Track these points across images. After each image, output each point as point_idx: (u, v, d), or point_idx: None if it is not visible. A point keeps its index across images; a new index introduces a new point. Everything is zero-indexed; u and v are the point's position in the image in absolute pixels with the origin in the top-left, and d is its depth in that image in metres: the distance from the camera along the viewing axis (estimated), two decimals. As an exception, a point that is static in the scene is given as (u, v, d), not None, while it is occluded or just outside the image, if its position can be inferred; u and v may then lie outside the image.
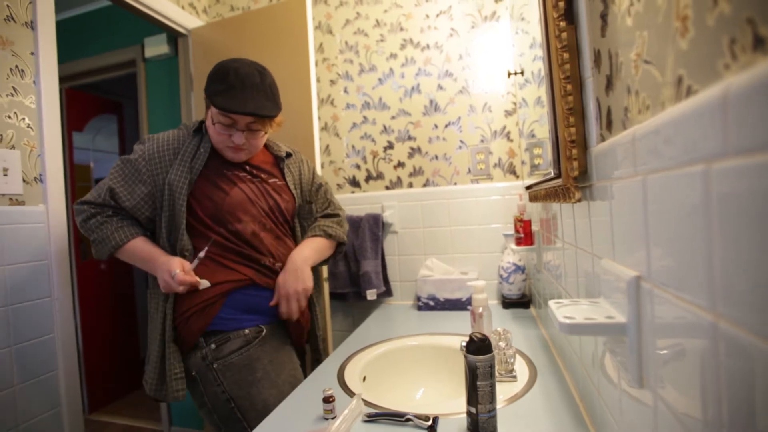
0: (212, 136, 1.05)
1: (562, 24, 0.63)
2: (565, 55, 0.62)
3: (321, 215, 1.24)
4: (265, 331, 1.04)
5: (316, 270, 1.26)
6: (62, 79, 2.05)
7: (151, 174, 1.02)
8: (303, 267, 1.08)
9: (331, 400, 0.78)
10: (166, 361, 1.00)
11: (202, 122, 1.10)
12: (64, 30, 2.12)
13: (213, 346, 0.99)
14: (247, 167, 1.10)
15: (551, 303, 0.53)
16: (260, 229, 1.07)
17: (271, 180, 1.13)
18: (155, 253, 1.00)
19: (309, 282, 1.08)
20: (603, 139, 0.55)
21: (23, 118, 1.17)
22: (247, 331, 1.02)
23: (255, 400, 0.96)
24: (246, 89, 0.98)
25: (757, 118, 0.22)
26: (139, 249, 1.01)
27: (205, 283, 0.99)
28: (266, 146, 1.20)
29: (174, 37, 1.99)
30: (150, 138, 1.07)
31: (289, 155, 1.20)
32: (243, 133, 1.02)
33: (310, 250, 1.13)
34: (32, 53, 1.20)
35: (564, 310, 0.48)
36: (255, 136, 1.05)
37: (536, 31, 0.82)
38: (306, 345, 1.23)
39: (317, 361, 1.21)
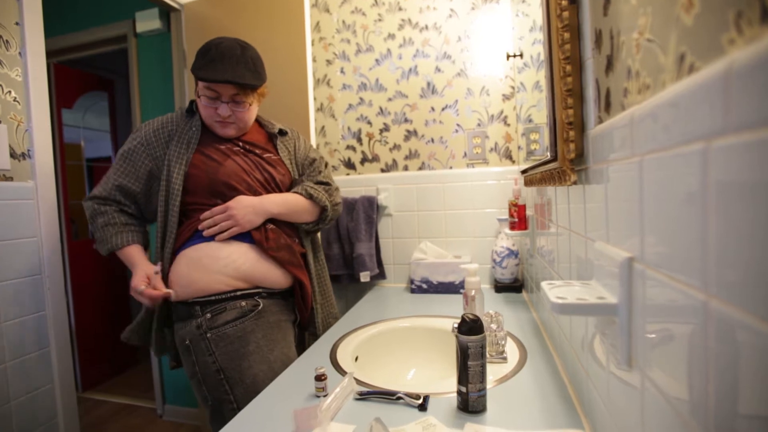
0: (201, 112, 1.08)
1: (564, 3, 0.62)
2: (566, 35, 0.61)
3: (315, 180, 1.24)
4: (261, 305, 1.04)
5: (314, 244, 1.26)
6: (50, 54, 1.99)
7: (151, 156, 1.07)
8: (256, 211, 1.05)
9: (323, 378, 0.79)
10: (155, 320, 1.09)
11: (193, 102, 1.12)
12: (51, 2, 2.06)
13: (208, 315, 0.99)
14: (241, 143, 1.12)
15: (544, 284, 0.53)
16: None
17: (266, 155, 1.15)
18: (135, 261, 1.05)
19: (249, 225, 1.04)
20: (601, 121, 0.54)
21: (9, 91, 1.14)
22: (243, 303, 1.02)
23: (245, 373, 0.96)
24: (225, 61, 1.01)
25: (761, 94, 0.22)
26: (128, 257, 1.06)
27: (170, 293, 1.01)
28: (260, 124, 1.22)
29: (166, 12, 1.94)
30: (144, 124, 1.10)
31: (283, 133, 1.22)
32: (228, 105, 1.05)
33: (279, 204, 1.10)
34: (17, 23, 1.16)
35: (556, 291, 0.49)
36: (240, 108, 1.06)
37: (537, 14, 0.81)
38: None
39: (314, 335, 1.21)
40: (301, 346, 1.21)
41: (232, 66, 1.01)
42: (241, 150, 1.11)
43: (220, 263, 1.01)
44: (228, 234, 1.03)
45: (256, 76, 1.05)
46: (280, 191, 1.15)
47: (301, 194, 1.14)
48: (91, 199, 1.08)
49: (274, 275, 1.07)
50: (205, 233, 1.03)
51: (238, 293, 1.02)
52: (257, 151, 1.13)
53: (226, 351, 0.98)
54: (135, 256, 1.06)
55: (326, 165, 1.30)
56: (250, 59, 1.05)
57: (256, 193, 1.09)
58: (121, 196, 1.07)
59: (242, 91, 1.04)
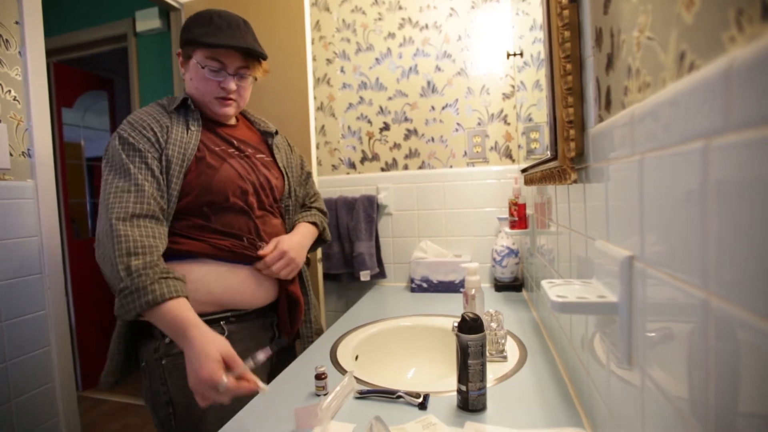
0: (198, 87, 0.95)
1: (564, 1, 0.61)
2: (566, 34, 0.61)
3: (316, 207, 1.19)
4: (226, 333, 0.90)
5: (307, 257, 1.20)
6: (50, 53, 1.99)
7: (156, 159, 0.88)
8: (303, 249, 1.04)
9: (323, 377, 0.79)
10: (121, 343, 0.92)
11: (185, 99, 0.97)
12: (51, 1, 2.06)
13: (167, 339, 0.85)
14: (235, 142, 1.00)
15: (544, 283, 0.53)
16: (248, 207, 0.96)
17: (259, 155, 1.04)
18: (190, 323, 0.75)
19: (301, 264, 1.03)
20: (601, 119, 0.54)
21: (9, 90, 1.14)
22: None
23: (194, 411, 0.81)
24: (233, 29, 0.93)
25: (761, 92, 0.21)
26: (175, 315, 0.75)
27: (264, 389, 0.71)
28: (251, 122, 1.12)
29: (166, 11, 1.94)
30: (131, 121, 0.91)
31: (276, 133, 1.14)
32: (234, 78, 0.95)
33: (308, 237, 1.08)
34: (17, 22, 1.16)
35: (556, 290, 0.49)
36: (244, 83, 0.98)
37: (537, 13, 0.81)
38: (297, 335, 1.12)
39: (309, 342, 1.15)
40: (292, 357, 1.08)
41: (241, 35, 0.93)
42: (236, 151, 0.99)
43: (189, 287, 0.84)
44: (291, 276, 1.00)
45: (261, 48, 0.98)
46: (274, 197, 1.04)
47: (316, 227, 1.13)
48: (121, 221, 0.79)
49: (250, 295, 0.95)
50: (264, 271, 0.96)
51: (204, 318, 0.84)
52: (250, 151, 1.02)
53: (180, 384, 0.82)
54: (186, 314, 0.76)
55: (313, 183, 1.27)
56: (253, 33, 0.98)
57: (248, 201, 0.95)
58: (158, 207, 0.85)
59: (249, 63, 0.96)
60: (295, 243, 1.01)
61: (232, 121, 1.05)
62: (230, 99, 0.96)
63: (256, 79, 1.00)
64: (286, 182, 1.08)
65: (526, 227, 1.31)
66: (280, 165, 1.09)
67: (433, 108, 1.65)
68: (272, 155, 1.09)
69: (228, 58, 0.93)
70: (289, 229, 1.08)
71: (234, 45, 0.91)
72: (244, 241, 0.94)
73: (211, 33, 0.90)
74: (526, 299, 1.37)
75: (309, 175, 1.21)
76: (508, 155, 1.59)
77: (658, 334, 0.36)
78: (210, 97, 0.95)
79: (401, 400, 0.74)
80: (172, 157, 0.89)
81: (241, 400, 0.80)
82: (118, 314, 0.78)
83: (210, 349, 0.71)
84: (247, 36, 0.95)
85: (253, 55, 0.95)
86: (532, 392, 0.75)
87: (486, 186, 1.59)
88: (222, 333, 0.89)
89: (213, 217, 0.92)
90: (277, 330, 1.04)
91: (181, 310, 0.76)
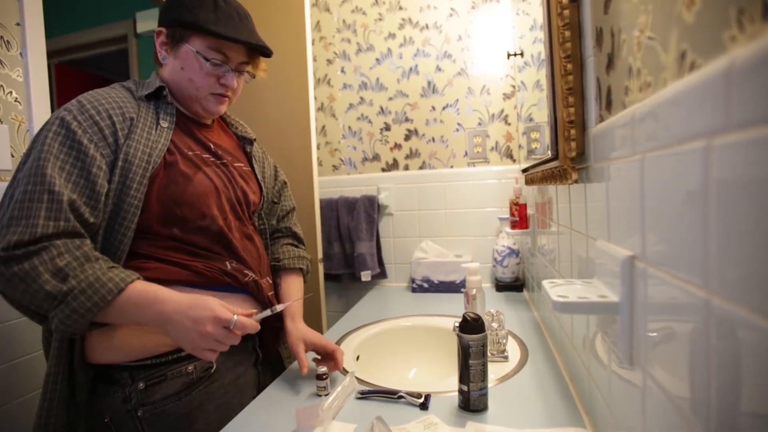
0: (193, 79, 0.81)
1: (565, 1, 0.61)
2: (567, 34, 0.61)
3: (290, 235, 1.07)
4: (215, 367, 0.79)
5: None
6: (51, 54, 1.99)
7: (102, 155, 0.70)
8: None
9: (324, 377, 0.79)
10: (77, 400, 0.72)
11: (163, 88, 0.82)
12: (52, 2, 2.06)
13: (141, 385, 0.72)
14: (212, 146, 0.86)
15: (545, 283, 0.53)
16: (227, 227, 0.82)
17: (237, 164, 0.90)
18: (164, 294, 0.67)
19: None
20: (602, 119, 0.54)
21: (10, 92, 1.14)
22: (191, 368, 0.76)
23: None
24: (243, 21, 0.82)
25: (762, 91, 0.21)
26: (144, 293, 0.67)
27: (277, 308, 0.74)
28: (228, 124, 0.99)
29: (166, 11, 1.94)
30: (84, 102, 0.72)
31: (254, 140, 1.01)
32: (235, 74, 0.83)
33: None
34: (18, 24, 1.16)
35: (557, 290, 0.49)
36: (241, 80, 0.87)
37: (537, 13, 0.81)
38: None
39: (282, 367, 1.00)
40: (280, 368, 1.00)
41: (250, 28, 0.83)
42: (212, 157, 0.84)
43: None
44: None
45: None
46: (250, 213, 0.92)
47: (302, 272, 1.02)
48: (37, 242, 0.62)
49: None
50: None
51: (184, 353, 0.75)
52: (228, 158, 0.88)
53: None
54: (153, 287, 0.68)
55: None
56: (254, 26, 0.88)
57: (226, 220, 0.83)
58: (78, 221, 0.66)
59: (253, 60, 0.86)
60: (308, 331, 0.90)
61: (208, 121, 0.91)
62: (227, 96, 0.85)
63: (254, 76, 0.89)
64: (263, 198, 0.97)
65: (527, 227, 1.31)
66: (259, 177, 0.96)
67: (433, 108, 1.65)
68: (250, 165, 0.96)
69: (233, 52, 0.81)
70: (267, 251, 0.97)
71: (247, 41, 0.79)
72: (228, 267, 0.81)
73: (220, 21, 0.78)
74: (527, 299, 1.37)
75: (285, 184, 1.09)
76: (509, 155, 1.59)
77: (660, 333, 0.36)
78: (205, 93, 0.82)
79: (402, 400, 0.74)
80: (133, 158, 0.72)
81: (241, 401, 0.81)
82: (67, 324, 0.62)
83: (202, 298, 0.67)
84: (254, 30, 0.85)
85: (256, 51, 0.85)
86: (534, 392, 0.75)
87: (487, 186, 1.59)
88: (210, 367, 0.79)
89: (184, 239, 0.78)
90: (260, 351, 0.92)
91: (147, 286, 0.67)
